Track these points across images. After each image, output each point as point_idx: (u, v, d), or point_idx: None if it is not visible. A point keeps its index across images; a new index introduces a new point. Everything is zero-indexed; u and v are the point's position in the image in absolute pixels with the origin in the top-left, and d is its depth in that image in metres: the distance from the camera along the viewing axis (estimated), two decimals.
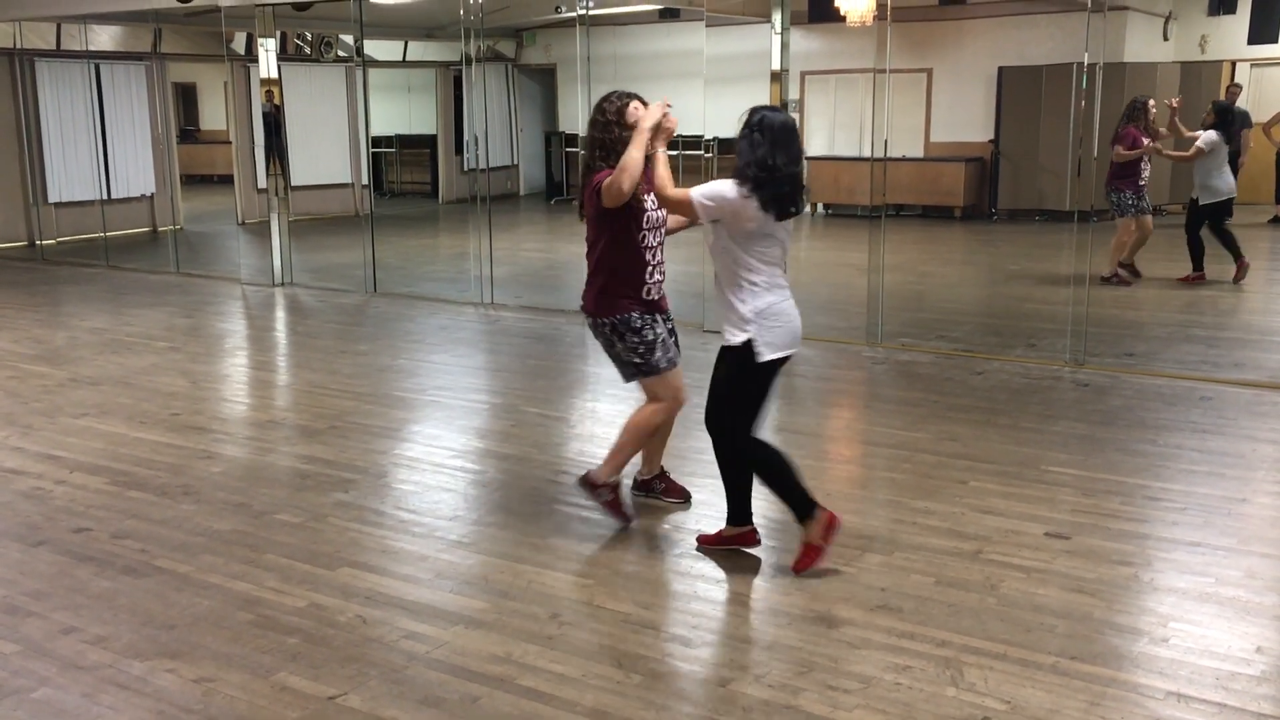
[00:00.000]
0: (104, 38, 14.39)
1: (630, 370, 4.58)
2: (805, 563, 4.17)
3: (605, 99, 4.53)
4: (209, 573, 4.24)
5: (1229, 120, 10.00)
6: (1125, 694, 3.32)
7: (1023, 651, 3.56)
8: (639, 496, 4.96)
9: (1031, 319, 9.13)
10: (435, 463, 5.59)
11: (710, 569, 4.25)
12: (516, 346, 8.34)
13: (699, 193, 4.07)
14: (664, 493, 4.95)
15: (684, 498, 4.94)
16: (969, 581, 4.08)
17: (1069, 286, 8.31)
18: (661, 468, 4.98)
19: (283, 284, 11.11)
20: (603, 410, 6.63)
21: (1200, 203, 10.01)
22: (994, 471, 5.28)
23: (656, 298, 4.59)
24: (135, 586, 4.13)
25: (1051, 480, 5.16)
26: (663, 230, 4.57)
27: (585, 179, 4.53)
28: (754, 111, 4.12)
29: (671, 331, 4.68)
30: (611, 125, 4.44)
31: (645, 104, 4.45)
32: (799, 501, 4.20)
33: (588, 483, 4.67)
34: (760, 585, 4.15)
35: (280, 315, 9.99)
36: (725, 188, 4.03)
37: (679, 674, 3.48)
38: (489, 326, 9.09)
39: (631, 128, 4.36)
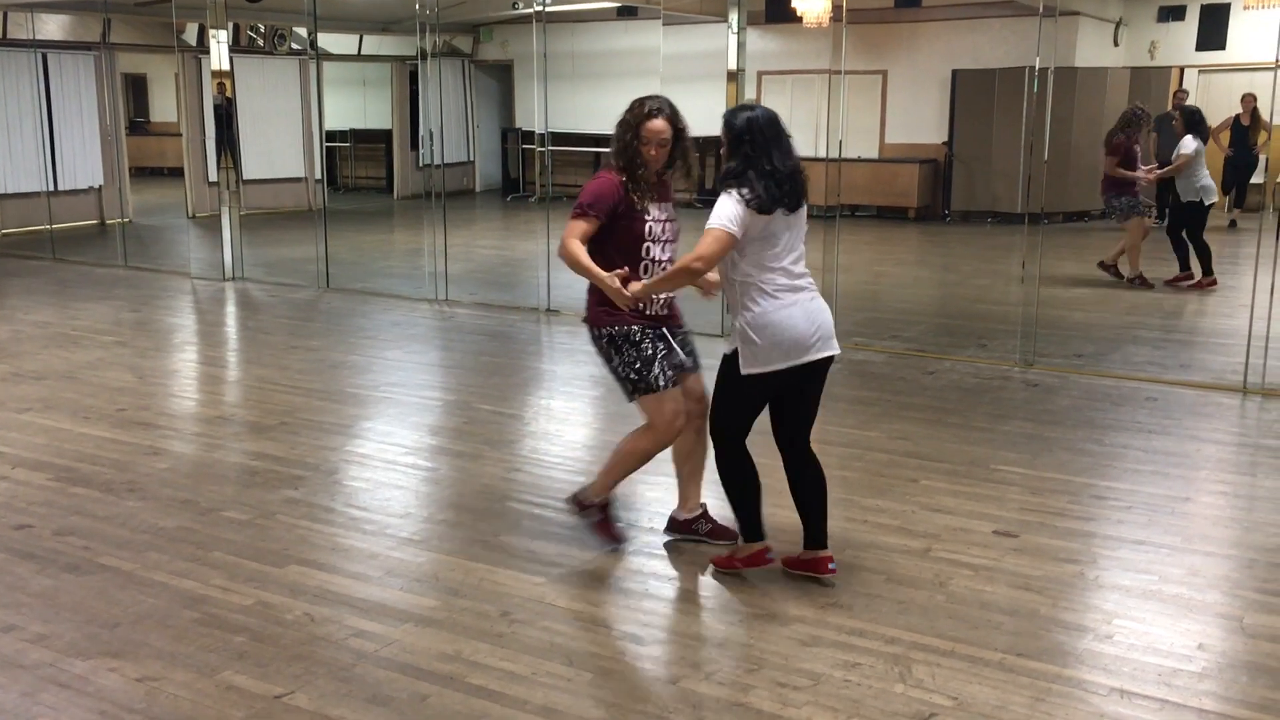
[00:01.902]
0: (52, 26, 14.14)
1: (628, 387, 4.20)
2: (723, 563, 4.18)
3: (641, 100, 4.18)
4: (154, 570, 4.18)
5: (1199, 121, 10.09)
6: (1070, 690, 3.36)
7: (970, 648, 3.59)
8: (676, 539, 4.50)
9: (983, 319, 9.23)
10: (387, 460, 5.54)
11: (662, 567, 4.25)
12: (470, 343, 8.30)
13: (725, 223, 3.82)
14: (709, 534, 4.46)
15: (732, 539, 4.34)
16: (918, 579, 4.11)
17: (1020, 288, 8.41)
18: (703, 506, 4.50)
19: (233, 279, 10.97)
20: (556, 408, 6.61)
21: (1184, 200, 10.04)
22: (944, 470, 5.33)
23: (660, 312, 4.23)
24: (78, 584, 4.06)
25: (1000, 479, 5.22)
26: (672, 244, 4.25)
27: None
28: (736, 116, 3.94)
29: (684, 343, 4.31)
30: (629, 127, 4.13)
31: (672, 116, 4.15)
32: (751, 525, 4.15)
33: (576, 502, 4.43)
34: (711, 583, 4.15)
35: (231, 310, 9.87)
36: (733, 205, 3.84)
37: (630, 671, 3.48)
38: (443, 323, 9.04)
39: (642, 140, 4.10)
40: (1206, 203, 9.97)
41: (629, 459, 4.33)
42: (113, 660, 3.51)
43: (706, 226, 3.87)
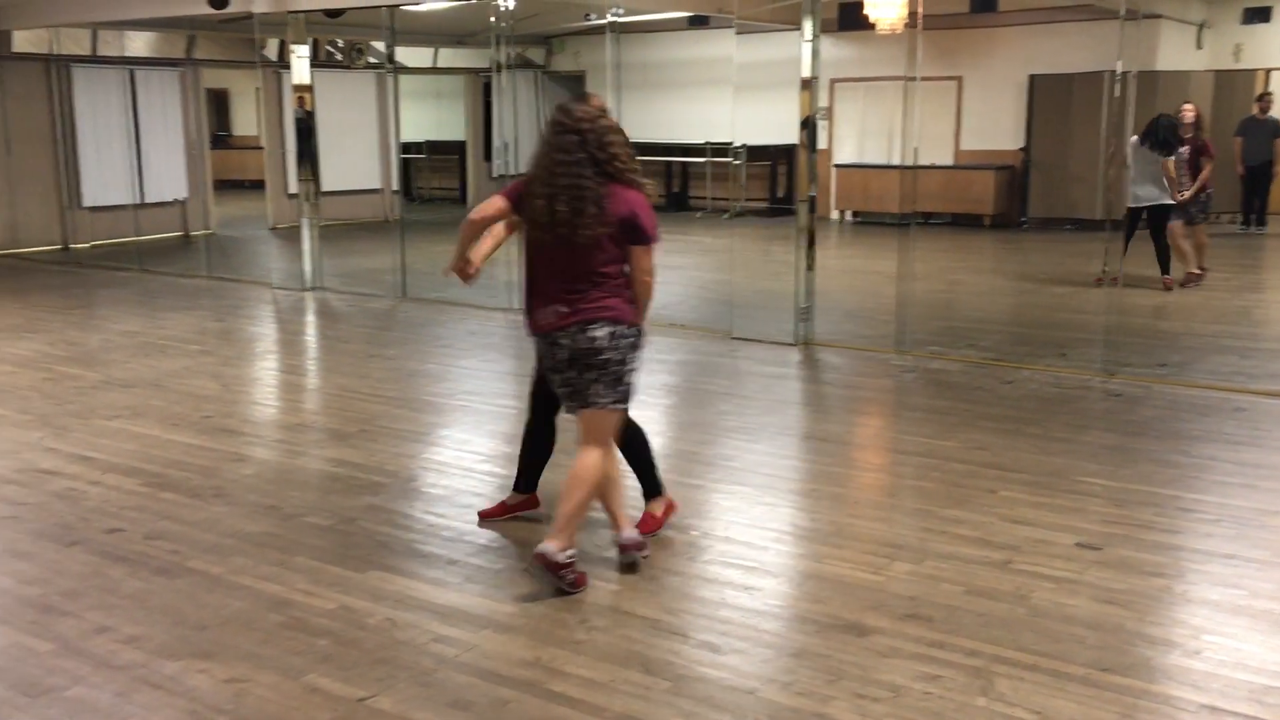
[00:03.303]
0: (139, 44, 14.57)
1: (626, 395, 4.22)
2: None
3: (600, 109, 4.26)
4: (240, 574, 4.27)
5: (1148, 131, 10.01)
6: (1157, 706, 3.29)
7: (1054, 662, 3.54)
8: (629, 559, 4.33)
9: (1062, 328, 9.07)
10: (464, 467, 5.61)
11: (738, 576, 4.24)
12: None
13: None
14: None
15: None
16: (999, 591, 4.06)
17: (1101, 296, 8.26)
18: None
19: (313, 289, 11.18)
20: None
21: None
22: (1024, 481, 5.25)
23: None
24: (167, 587, 4.17)
25: (1083, 490, 5.12)
26: None
27: (612, 191, 4.04)
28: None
29: None
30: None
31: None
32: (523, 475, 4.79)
33: (548, 564, 4.02)
34: (788, 593, 4.14)
35: (310, 319, 10.06)
36: None
37: (707, 680, 3.48)
38: (517, 332, 9.09)
39: None
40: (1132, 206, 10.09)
41: (595, 489, 4.17)
42: (202, 661, 3.60)
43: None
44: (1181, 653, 3.61)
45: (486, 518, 4.82)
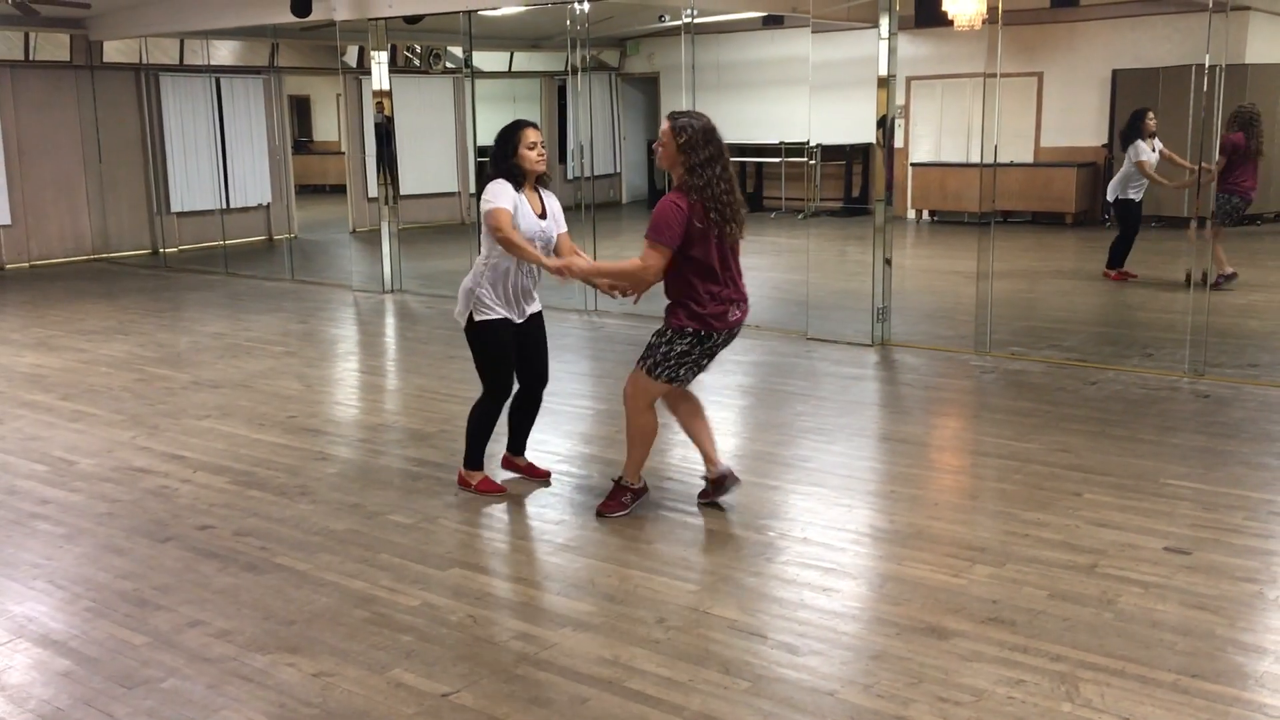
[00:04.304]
0: (224, 52, 14.92)
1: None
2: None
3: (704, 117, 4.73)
4: (326, 571, 4.37)
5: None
6: (1250, 714, 3.21)
7: (1141, 668, 3.47)
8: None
9: (1148, 328, 8.88)
10: (541, 467, 5.65)
11: (816, 577, 4.23)
12: (620, 353, 8.39)
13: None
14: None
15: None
16: (1084, 595, 3.99)
17: (1187, 294, 8.08)
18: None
19: (392, 291, 11.36)
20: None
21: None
22: (1109, 484, 5.15)
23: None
24: (257, 583, 4.27)
25: (1170, 494, 5.02)
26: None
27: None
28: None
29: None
30: None
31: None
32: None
33: (730, 476, 5.01)
34: (866, 594, 4.12)
35: (390, 321, 10.22)
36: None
37: (786, 681, 3.47)
38: (593, 333, 9.17)
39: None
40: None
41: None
42: (290, 655, 3.68)
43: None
44: (1274, 659, 3.52)
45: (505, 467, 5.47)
